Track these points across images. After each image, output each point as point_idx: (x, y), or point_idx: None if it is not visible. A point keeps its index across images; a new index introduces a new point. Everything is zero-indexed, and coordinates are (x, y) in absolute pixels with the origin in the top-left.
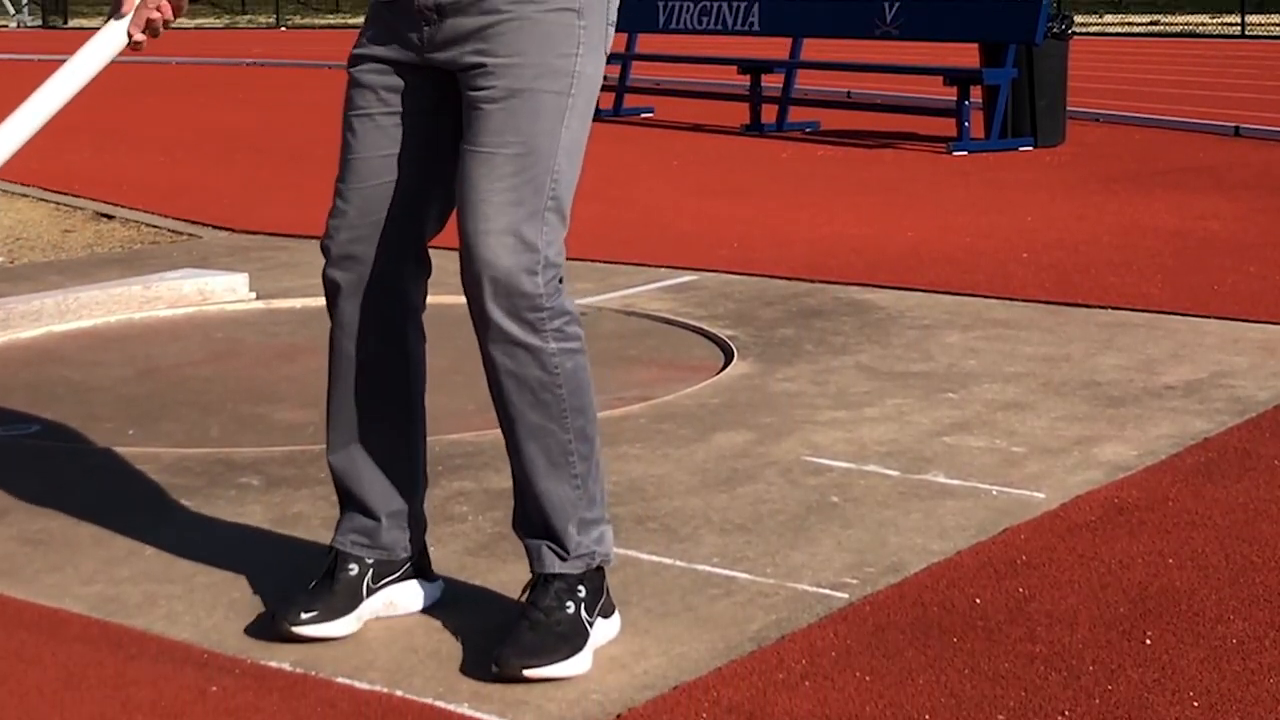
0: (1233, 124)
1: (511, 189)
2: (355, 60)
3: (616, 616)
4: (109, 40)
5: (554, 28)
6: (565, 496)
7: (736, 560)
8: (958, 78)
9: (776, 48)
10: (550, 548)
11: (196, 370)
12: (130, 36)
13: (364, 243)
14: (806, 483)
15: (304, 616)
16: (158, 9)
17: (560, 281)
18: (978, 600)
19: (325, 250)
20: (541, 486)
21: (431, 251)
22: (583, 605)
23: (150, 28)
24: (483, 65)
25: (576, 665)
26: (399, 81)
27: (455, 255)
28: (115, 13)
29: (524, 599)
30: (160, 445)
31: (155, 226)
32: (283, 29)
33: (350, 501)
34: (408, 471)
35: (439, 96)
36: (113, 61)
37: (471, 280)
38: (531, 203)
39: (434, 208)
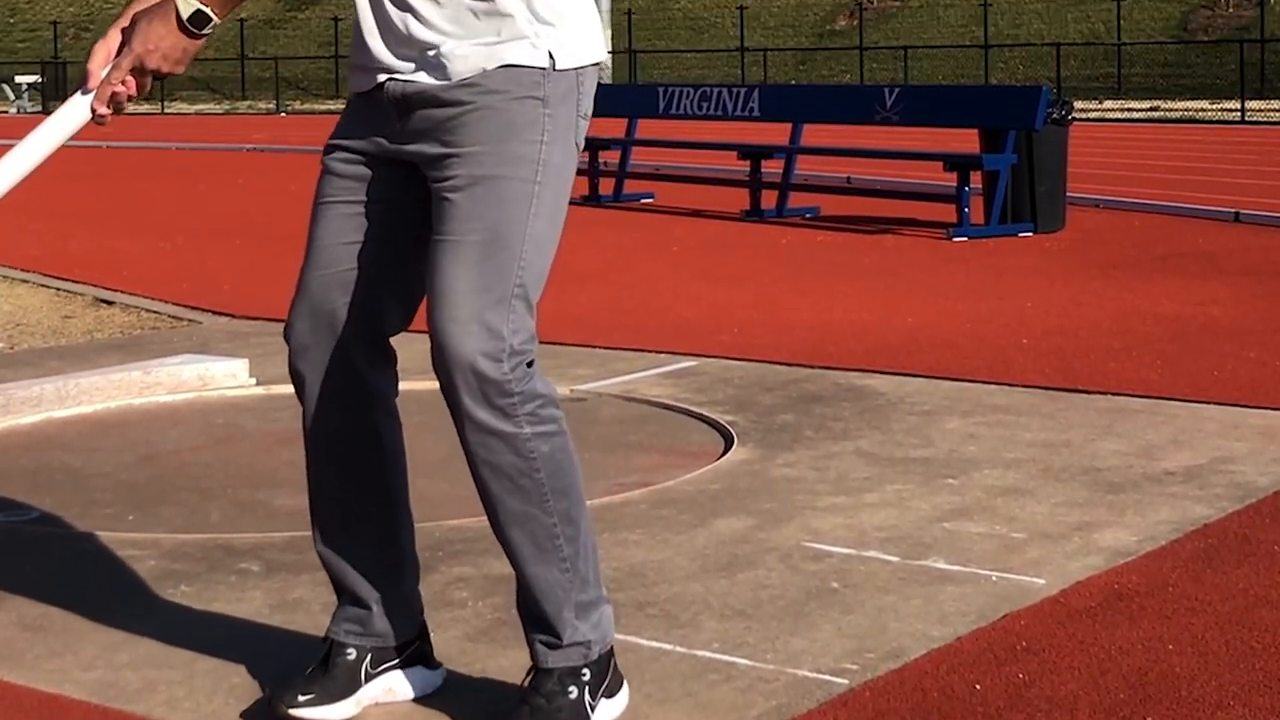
0: (1232, 209)
1: (476, 276)
2: (329, 149)
3: (624, 691)
4: (72, 114)
5: (517, 116)
6: (555, 580)
7: (737, 646)
8: (958, 163)
9: (777, 133)
10: (542, 641)
11: (196, 456)
12: (94, 111)
13: (323, 331)
14: (806, 568)
15: (301, 699)
16: (122, 84)
17: (529, 365)
18: (978, 686)
19: (287, 340)
20: (530, 572)
21: (426, 336)
22: (586, 689)
23: (114, 102)
24: (448, 155)
25: None
26: (368, 172)
27: None
28: (81, 87)
29: (527, 683)
30: (160, 531)
31: (155, 312)
32: (283, 114)
33: (342, 590)
34: (394, 558)
35: (407, 189)
36: (76, 134)
37: (441, 370)
38: (497, 290)
39: (394, 300)
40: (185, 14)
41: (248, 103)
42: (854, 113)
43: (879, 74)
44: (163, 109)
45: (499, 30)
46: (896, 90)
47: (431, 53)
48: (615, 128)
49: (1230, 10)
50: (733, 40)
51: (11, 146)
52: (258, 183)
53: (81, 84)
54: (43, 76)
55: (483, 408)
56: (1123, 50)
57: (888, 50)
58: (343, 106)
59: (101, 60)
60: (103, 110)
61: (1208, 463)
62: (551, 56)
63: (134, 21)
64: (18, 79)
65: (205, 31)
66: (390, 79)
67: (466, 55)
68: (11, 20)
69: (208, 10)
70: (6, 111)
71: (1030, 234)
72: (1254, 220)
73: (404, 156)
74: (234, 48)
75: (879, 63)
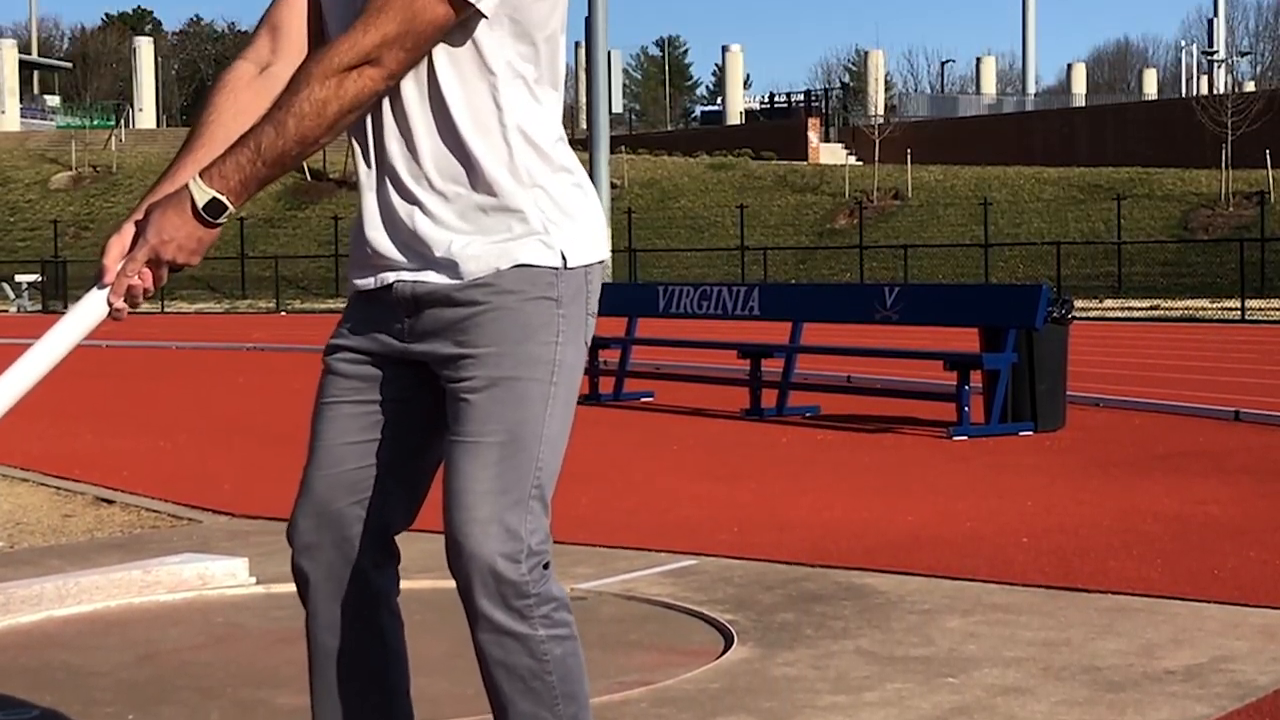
0: (1233, 408)
1: (495, 477)
2: (331, 349)
3: None
4: (89, 310)
5: (533, 316)
6: None
7: None
8: (958, 362)
9: (777, 332)
10: None
11: (197, 655)
12: (111, 305)
13: (328, 530)
14: None
15: None
16: (139, 277)
17: (546, 568)
18: None
19: (290, 539)
20: None
21: (427, 535)
22: None
23: (130, 296)
24: (463, 355)
25: None
26: (374, 372)
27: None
28: (97, 282)
29: None
30: None
31: (155, 511)
32: (283, 314)
33: None
34: None
35: (414, 388)
36: (95, 331)
37: (457, 569)
38: (515, 491)
39: (402, 498)
40: (200, 203)
41: (248, 301)
42: (854, 311)
43: (879, 272)
44: (163, 308)
45: (510, 226)
46: (896, 289)
47: (441, 251)
48: (615, 326)
49: (1230, 210)
50: (733, 239)
51: (14, 345)
52: (258, 382)
53: (96, 279)
54: (43, 275)
55: (499, 609)
56: (1123, 249)
57: (888, 249)
58: (343, 305)
59: (116, 255)
60: (119, 304)
61: (1208, 661)
62: (564, 256)
63: (147, 213)
64: (18, 278)
65: (220, 220)
66: (399, 279)
67: (479, 255)
68: (12, 219)
69: (223, 198)
70: (6, 310)
71: (1031, 433)
72: (1254, 419)
73: (413, 356)
74: (234, 246)
75: (879, 261)
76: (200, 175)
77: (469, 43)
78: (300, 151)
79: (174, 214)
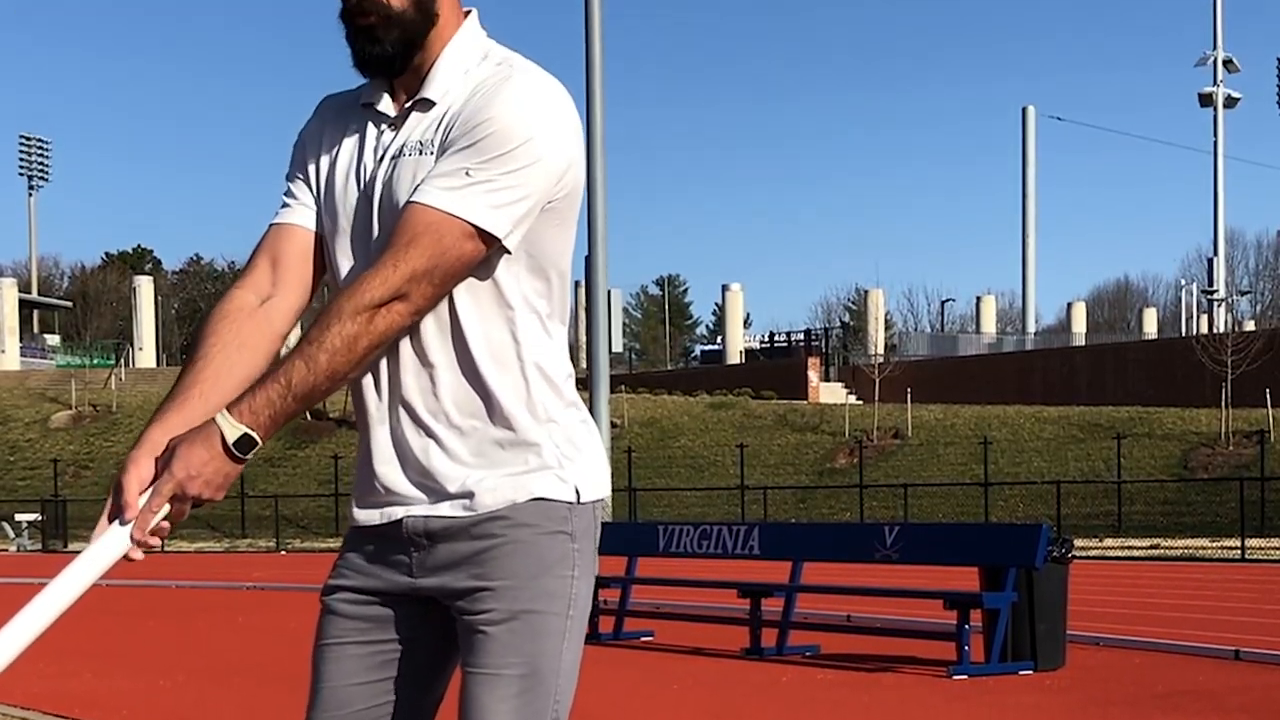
0: (1233, 648)
1: (515, 710)
2: (330, 590)
3: None
4: (109, 547)
5: (549, 551)
6: None
7: None
8: (958, 601)
9: (777, 571)
10: None
11: None
12: (134, 540)
13: None
14: None
15: None
16: (166, 518)
17: None
18: None
19: None
20: None
21: None
22: None
23: (154, 533)
24: (480, 588)
25: None
26: (379, 611)
27: None
28: (119, 517)
29: None
30: None
31: None
32: (283, 552)
33: None
34: None
35: (420, 625)
36: (108, 574)
37: None
38: None
39: None
40: (231, 439)
41: (248, 540)
42: (854, 551)
43: (879, 511)
44: (163, 546)
45: (526, 460)
46: (896, 528)
47: (455, 486)
48: (615, 565)
49: (1230, 448)
50: (733, 478)
51: (14, 585)
52: (258, 621)
53: (114, 516)
54: (43, 514)
55: None
56: (1123, 488)
57: (888, 488)
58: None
59: (136, 489)
60: (145, 538)
61: None
62: (577, 491)
63: (170, 448)
64: (18, 517)
65: (249, 456)
66: (409, 514)
67: (495, 488)
68: (11, 458)
69: (253, 434)
70: (6, 550)
71: (1030, 672)
72: (1254, 658)
73: (422, 591)
74: (235, 485)
75: (879, 500)
76: (229, 410)
77: (489, 278)
78: (329, 387)
79: (202, 449)
